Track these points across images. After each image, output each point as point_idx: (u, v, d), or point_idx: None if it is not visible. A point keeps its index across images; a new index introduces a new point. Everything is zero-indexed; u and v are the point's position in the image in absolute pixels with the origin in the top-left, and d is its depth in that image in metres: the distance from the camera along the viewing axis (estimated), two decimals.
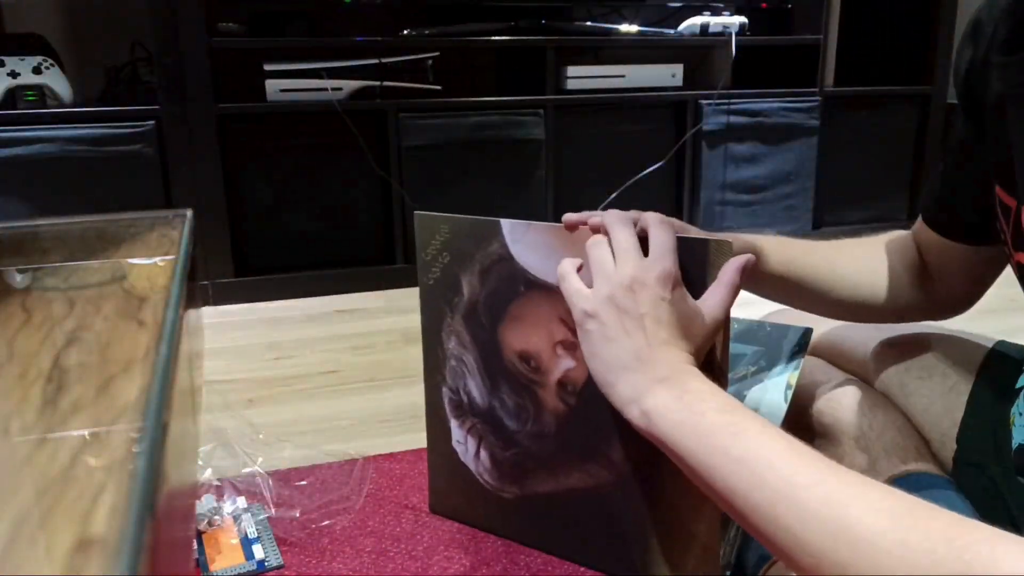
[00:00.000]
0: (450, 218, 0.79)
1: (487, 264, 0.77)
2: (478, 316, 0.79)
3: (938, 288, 0.76)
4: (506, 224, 0.75)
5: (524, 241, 0.74)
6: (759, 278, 0.76)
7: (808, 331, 0.80)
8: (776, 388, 0.80)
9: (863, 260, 0.79)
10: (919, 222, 0.76)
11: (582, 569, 0.80)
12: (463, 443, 0.84)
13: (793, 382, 0.80)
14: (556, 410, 0.77)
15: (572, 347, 0.74)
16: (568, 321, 0.73)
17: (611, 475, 0.75)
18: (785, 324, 0.82)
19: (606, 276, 0.61)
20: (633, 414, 0.57)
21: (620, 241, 0.62)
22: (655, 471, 0.73)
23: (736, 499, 0.49)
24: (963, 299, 0.76)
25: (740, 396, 0.80)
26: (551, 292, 0.73)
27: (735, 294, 0.63)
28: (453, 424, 0.85)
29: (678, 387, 0.56)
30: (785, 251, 0.77)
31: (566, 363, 0.75)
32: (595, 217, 0.67)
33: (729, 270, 0.63)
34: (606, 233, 0.64)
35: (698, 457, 0.52)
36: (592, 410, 0.75)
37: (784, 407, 0.78)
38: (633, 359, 0.58)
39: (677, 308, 0.59)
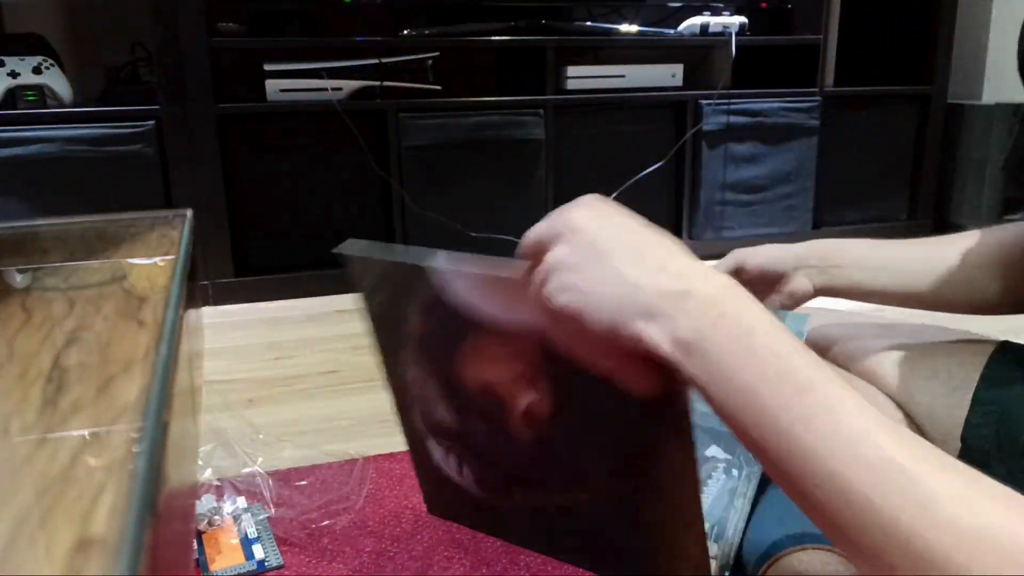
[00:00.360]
0: (374, 262, 0.70)
1: (426, 304, 0.69)
2: (431, 350, 0.73)
3: None
4: (434, 272, 0.66)
5: (455, 289, 0.66)
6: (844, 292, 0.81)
7: (806, 318, 0.80)
8: None
9: (975, 260, 0.78)
10: None
11: (581, 569, 0.80)
12: (444, 461, 0.81)
13: None
14: (528, 438, 0.71)
15: (531, 379, 0.67)
16: (524, 353, 0.66)
17: (593, 497, 0.72)
18: (781, 312, 0.81)
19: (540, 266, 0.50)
20: (664, 351, 0.44)
21: (530, 234, 0.51)
22: (637, 495, 0.69)
23: (782, 465, 0.40)
24: None
25: None
26: (498, 330, 0.65)
27: None
28: (431, 443, 0.82)
29: (688, 302, 0.43)
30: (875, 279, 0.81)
31: (528, 395, 0.69)
32: None
33: None
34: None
35: (741, 420, 0.42)
36: (564, 439, 0.69)
37: None
38: (619, 293, 0.45)
39: (610, 219, 0.48)
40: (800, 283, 0.83)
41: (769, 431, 0.41)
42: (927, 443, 0.39)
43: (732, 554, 0.75)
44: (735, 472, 0.75)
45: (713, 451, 0.77)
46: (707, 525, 0.73)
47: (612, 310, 0.45)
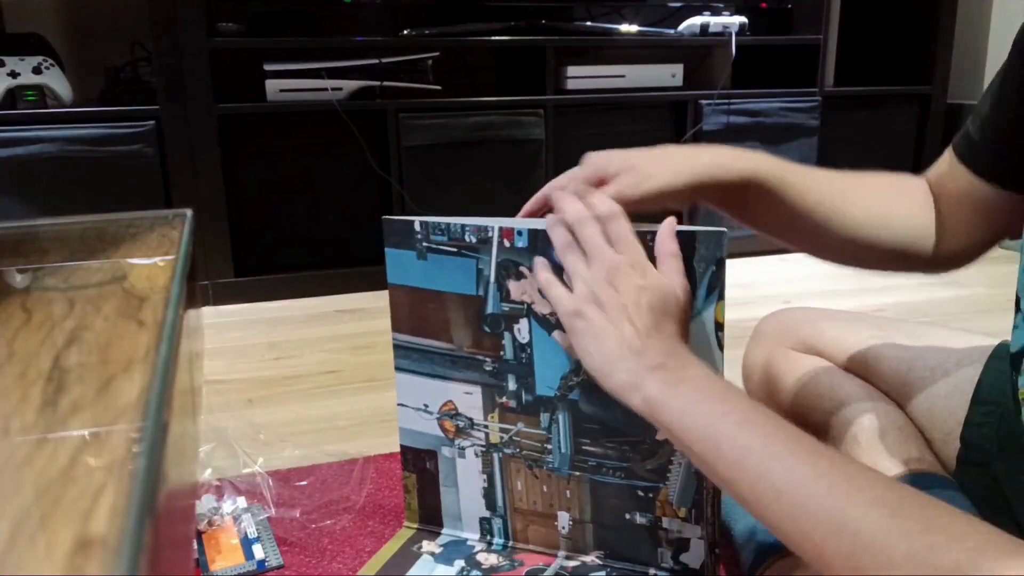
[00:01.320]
0: None
1: None
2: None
3: (946, 235, 0.72)
4: None
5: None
6: (757, 214, 0.71)
7: (722, 234, 0.66)
8: (703, 331, 0.69)
9: (873, 198, 0.74)
10: (943, 160, 0.73)
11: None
12: None
13: (722, 317, 0.67)
14: None
15: None
16: None
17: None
18: (690, 229, 0.67)
19: (582, 276, 0.63)
20: (634, 402, 0.59)
21: (588, 239, 0.63)
22: None
23: (741, 488, 0.51)
24: (967, 251, 0.72)
25: None
26: None
27: (680, 259, 0.65)
28: None
29: (676, 373, 0.58)
30: (793, 182, 0.70)
31: None
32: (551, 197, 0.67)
33: (664, 240, 0.65)
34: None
35: (703, 445, 0.54)
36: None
37: (719, 355, 0.69)
38: (625, 349, 0.60)
39: (655, 291, 0.61)
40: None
41: (722, 461, 0.53)
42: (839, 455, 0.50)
43: (716, 531, 0.74)
44: None
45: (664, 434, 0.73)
46: (683, 511, 0.74)
47: (598, 365, 0.61)
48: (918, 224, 0.74)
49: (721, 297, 0.67)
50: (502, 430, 0.79)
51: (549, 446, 0.77)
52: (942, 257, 0.74)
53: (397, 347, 0.83)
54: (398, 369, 0.83)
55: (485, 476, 0.81)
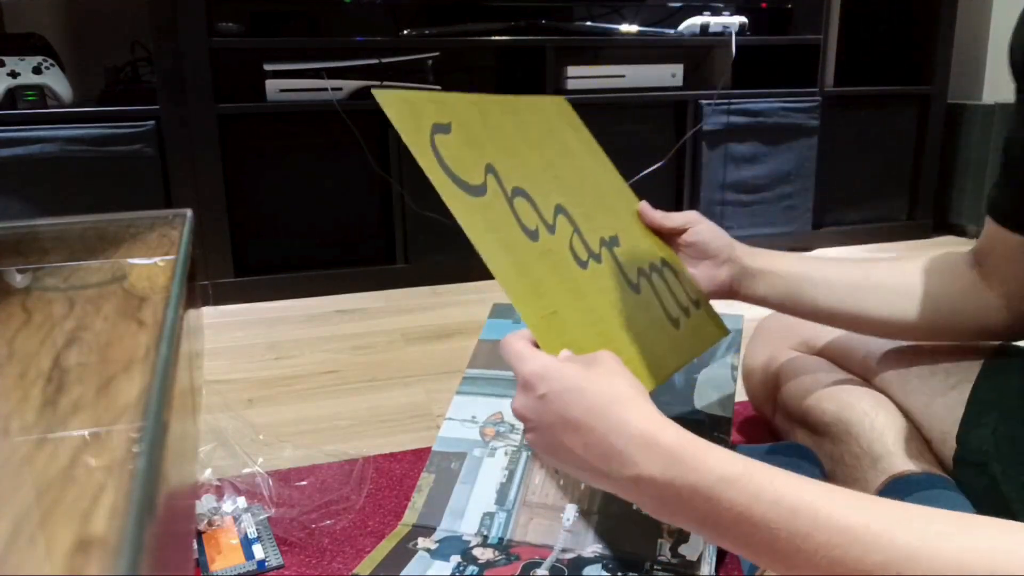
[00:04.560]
0: None
1: None
2: None
3: (1009, 303, 0.72)
4: None
5: None
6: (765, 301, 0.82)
7: (739, 318, 0.89)
8: (722, 369, 0.90)
9: (904, 286, 0.76)
10: (986, 229, 0.72)
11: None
12: None
13: (737, 363, 0.90)
14: None
15: None
16: None
17: None
18: (721, 314, 0.84)
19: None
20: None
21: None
22: None
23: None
24: None
25: (690, 380, 0.89)
26: None
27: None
28: None
29: (659, 484, 0.49)
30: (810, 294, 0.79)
31: None
32: None
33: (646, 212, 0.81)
34: None
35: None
36: None
37: (734, 385, 0.88)
38: (588, 472, 0.53)
39: (560, 400, 0.54)
40: (718, 271, 0.81)
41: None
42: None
43: None
44: None
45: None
46: None
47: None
48: (957, 299, 0.74)
49: (738, 350, 0.90)
50: None
51: None
52: (1013, 323, 0.72)
53: (467, 378, 0.95)
54: (459, 393, 0.94)
55: (507, 472, 0.85)
